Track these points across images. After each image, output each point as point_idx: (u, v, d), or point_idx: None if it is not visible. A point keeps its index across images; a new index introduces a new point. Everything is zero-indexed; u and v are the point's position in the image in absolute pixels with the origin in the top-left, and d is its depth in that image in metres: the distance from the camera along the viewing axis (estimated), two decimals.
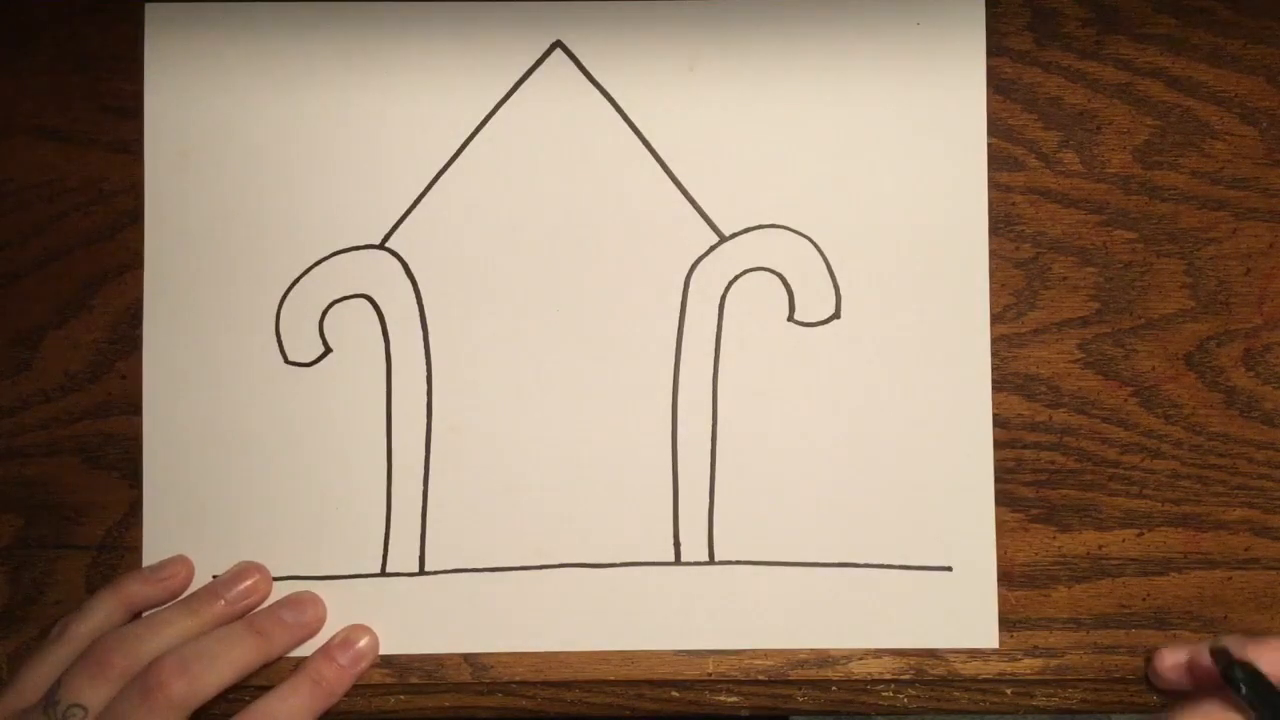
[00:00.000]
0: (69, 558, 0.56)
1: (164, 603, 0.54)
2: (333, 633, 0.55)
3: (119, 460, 0.56)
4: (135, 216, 0.56)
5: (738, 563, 0.56)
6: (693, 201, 0.56)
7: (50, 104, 0.57)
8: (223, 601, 0.54)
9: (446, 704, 0.56)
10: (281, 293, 0.56)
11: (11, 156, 0.57)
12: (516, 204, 0.56)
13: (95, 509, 0.56)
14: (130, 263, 0.56)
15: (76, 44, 0.57)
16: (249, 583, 0.55)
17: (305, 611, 0.55)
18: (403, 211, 0.56)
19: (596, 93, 0.56)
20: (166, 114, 0.56)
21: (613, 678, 0.56)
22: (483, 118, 0.56)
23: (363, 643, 0.55)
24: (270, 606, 0.55)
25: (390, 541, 0.56)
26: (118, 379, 0.56)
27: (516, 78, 0.56)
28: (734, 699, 0.56)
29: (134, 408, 0.56)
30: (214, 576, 0.56)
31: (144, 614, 0.54)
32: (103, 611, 0.53)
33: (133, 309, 0.56)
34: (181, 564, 0.55)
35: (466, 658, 0.56)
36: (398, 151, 0.56)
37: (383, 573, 0.56)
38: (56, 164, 0.57)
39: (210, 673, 0.51)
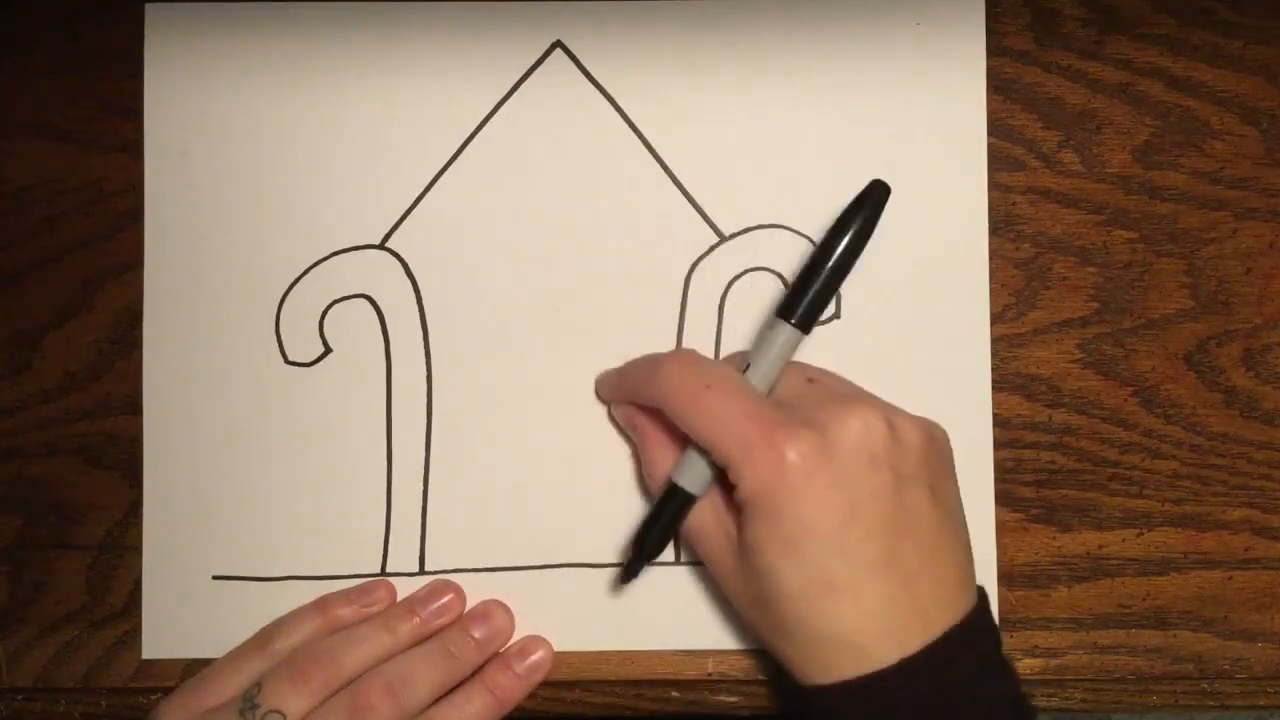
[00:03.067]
0: (69, 558, 0.56)
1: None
2: None
3: (119, 460, 0.56)
4: (135, 216, 0.56)
5: None
6: (692, 201, 0.56)
7: (50, 104, 0.57)
8: (418, 619, 0.54)
9: None
10: (281, 293, 0.56)
11: (11, 156, 0.57)
12: (516, 204, 0.56)
13: (95, 509, 0.56)
14: (130, 263, 0.56)
15: (76, 44, 0.57)
16: (443, 601, 0.55)
17: (494, 624, 0.55)
18: (403, 212, 0.56)
19: (596, 93, 0.56)
20: (166, 114, 0.56)
21: (613, 678, 0.56)
22: (483, 118, 0.56)
23: (539, 654, 0.55)
24: (461, 623, 0.55)
25: (390, 541, 0.56)
26: (118, 379, 0.56)
27: (516, 78, 0.56)
28: (734, 699, 0.56)
29: (134, 408, 0.56)
30: (214, 577, 0.56)
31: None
32: (306, 629, 0.54)
33: (133, 309, 0.56)
34: (385, 589, 0.55)
35: None
36: (398, 151, 0.56)
37: (383, 572, 0.56)
38: (56, 164, 0.57)
39: (413, 696, 0.52)
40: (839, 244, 0.50)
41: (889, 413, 0.49)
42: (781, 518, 0.47)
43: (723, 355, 0.56)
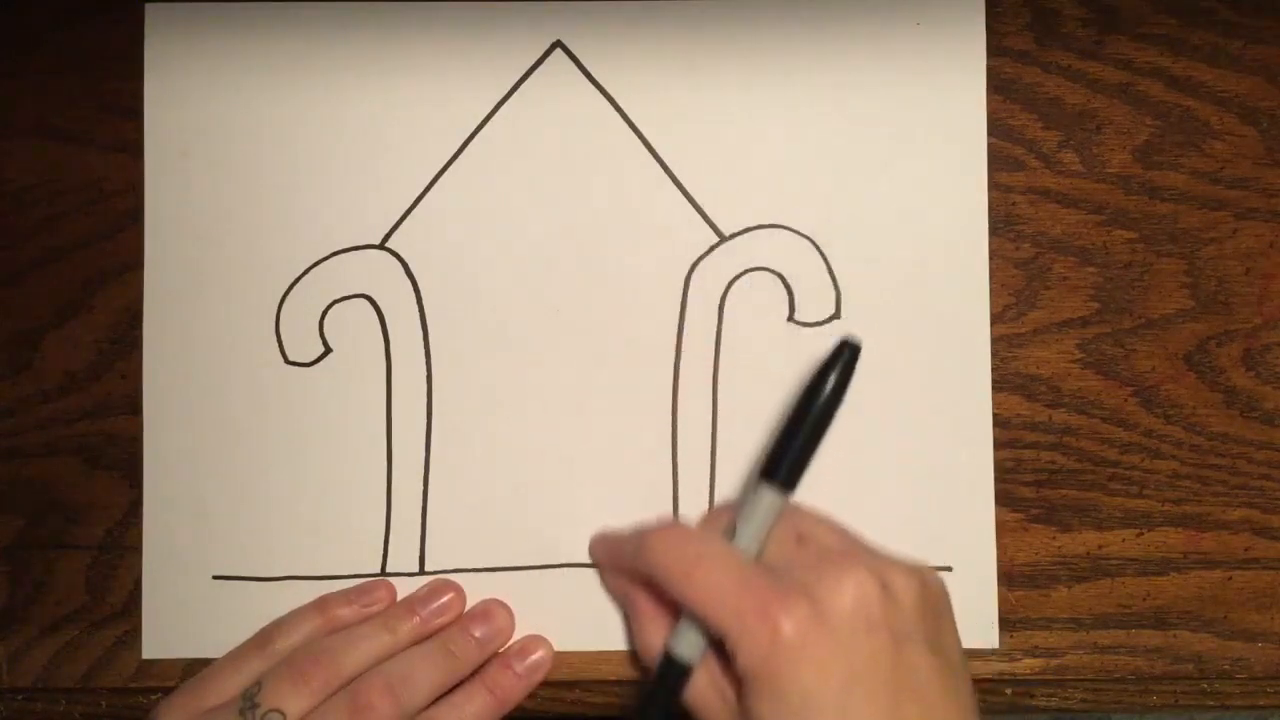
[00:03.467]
0: (69, 558, 0.56)
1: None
2: None
3: (119, 460, 0.56)
4: (135, 216, 0.56)
5: None
6: (692, 201, 0.56)
7: (50, 104, 0.57)
8: (418, 618, 0.54)
9: None
10: (281, 293, 0.56)
11: (11, 156, 0.57)
12: (516, 204, 0.56)
13: (95, 509, 0.56)
14: (130, 263, 0.56)
15: (77, 44, 0.57)
16: (443, 600, 0.55)
17: (494, 623, 0.55)
18: (403, 211, 0.56)
19: (596, 93, 0.56)
20: (167, 114, 0.56)
21: (613, 678, 0.56)
22: (483, 118, 0.56)
23: (539, 654, 0.55)
24: (461, 622, 0.55)
25: (390, 541, 0.56)
26: (118, 379, 0.56)
27: (516, 78, 0.56)
28: None
29: (134, 408, 0.56)
30: (214, 577, 0.56)
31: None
32: (306, 629, 0.54)
33: (133, 309, 0.56)
34: (385, 589, 0.55)
35: None
36: (398, 151, 0.56)
37: (383, 572, 0.56)
38: (56, 164, 0.57)
39: (413, 695, 0.52)
40: (814, 405, 0.49)
41: (882, 569, 0.48)
42: (782, 689, 0.46)
43: (722, 355, 0.56)
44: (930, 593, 0.49)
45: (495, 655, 0.55)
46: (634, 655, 0.55)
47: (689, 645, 0.50)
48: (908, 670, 0.47)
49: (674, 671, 0.50)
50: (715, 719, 0.50)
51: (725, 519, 0.52)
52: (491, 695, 0.54)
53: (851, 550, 0.51)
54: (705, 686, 0.50)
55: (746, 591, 0.47)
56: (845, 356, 0.49)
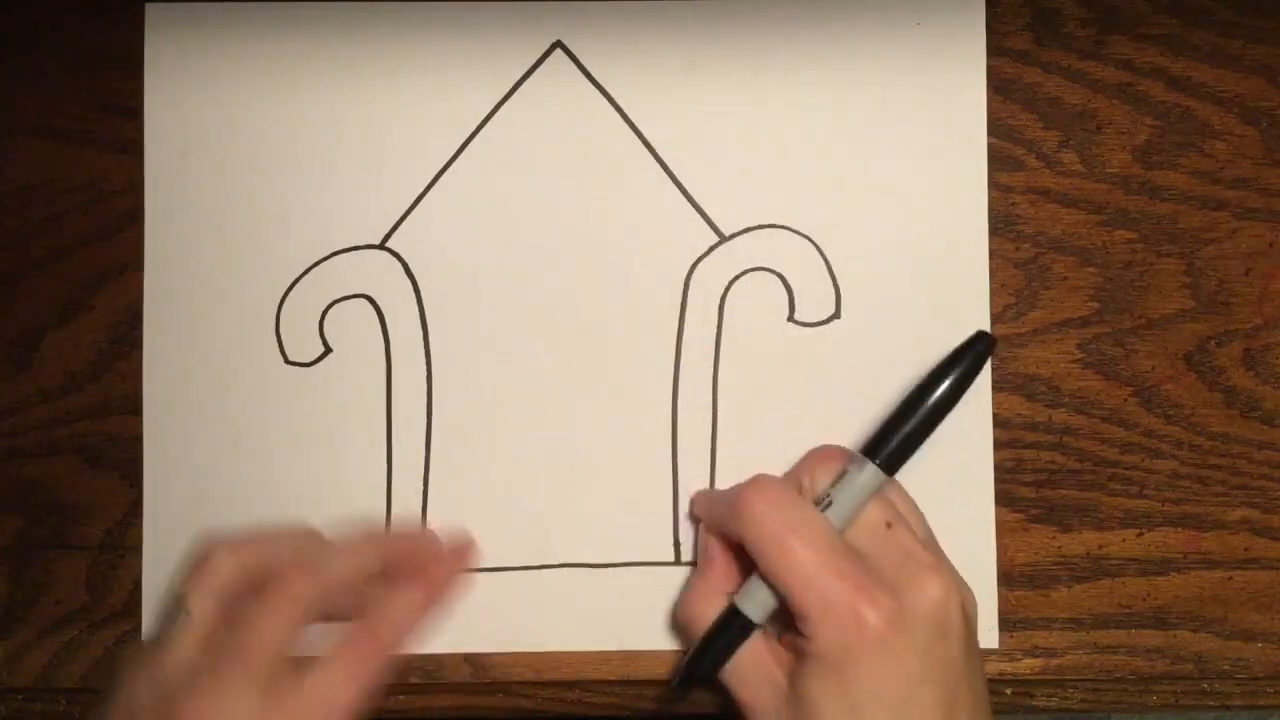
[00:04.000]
0: (69, 558, 0.56)
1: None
2: None
3: (119, 460, 0.56)
4: (135, 216, 0.56)
5: None
6: (693, 201, 0.56)
7: (50, 104, 0.57)
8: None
9: (447, 704, 0.56)
10: (282, 293, 0.56)
11: (11, 156, 0.57)
12: (516, 204, 0.56)
13: (95, 509, 0.56)
14: (130, 263, 0.56)
15: (76, 44, 0.57)
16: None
17: (423, 537, 0.55)
18: (403, 211, 0.56)
19: (596, 93, 0.56)
20: (166, 114, 0.56)
21: (613, 678, 0.56)
22: (483, 118, 0.56)
23: (464, 543, 0.55)
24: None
25: None
26: (118, 379, 0.56)
27: (516, 78, 0.56)
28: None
29: (134, 408, 0.56)
30: None
31: None
32: None
33: (133, 309, 0.56)
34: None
35: (467, 658, 0.56)
36: (398, 151, 0.56)
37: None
38: (56, 164, 0.57)
39: (329, 568, 0.50)
40: (937, 389, 0.50)
41: (960, 582, 0.49)
42: (850, 681, 0.47)
43: (722, 355, 0.56)
44: (973, 605, 0.50)
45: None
46: (636, 652, 0.55)
47: (758, 605, 0.50)
48: (964, 682, 0.48)
49: (736, 625, 0.50)
50: (759, 697, 0.50)
51: (821, 479, 0.51)
52: (426, 596, 0.53)
53: (937, 554, 0.51)
54: (756, 657, 0.50)
55: (836, 577, 0.47)
56: (978, 347, 0.50)
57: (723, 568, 0.52)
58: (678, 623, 0.55)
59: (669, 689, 0.52)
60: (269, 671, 0.48)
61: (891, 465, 0.50)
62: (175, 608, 0.49)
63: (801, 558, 0.48)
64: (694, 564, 0.55)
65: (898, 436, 0.50)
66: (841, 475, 0.50)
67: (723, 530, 0.52)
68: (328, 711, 0.49)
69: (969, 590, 0.50)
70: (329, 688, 0.49)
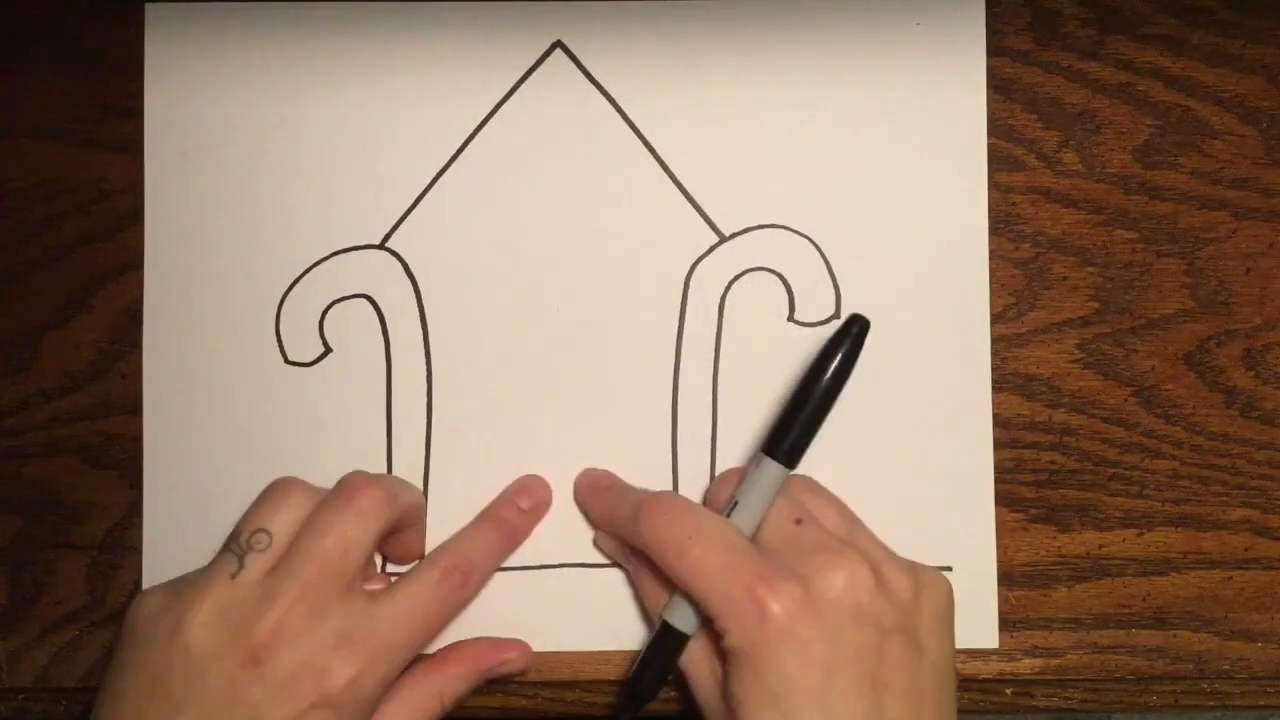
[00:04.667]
0: (69, 558, 0.56)
1: None
2: None
3: (119, 460, 0.56)
4: (135, 216, 0.56)
5: None
6: (693, 201, 0.56)
7: (50, 104, 0.57)
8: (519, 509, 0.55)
9: None
10: (282, 292, 0.56)
11: (11, 156, 0.57)
12: (517, 204, 0.56)
13: (95, 509, 0.56)
14: (130, 263, 0.56)
15: (76, 44, 0.57)
16: (536, 498, 0.56)
17: (537, 494, 0.55)
18: (403, 211, 0.56)
19: (597, 93, 0.56)
20: (167, 114, 0.56)
21: (613, 678, 0.56)
22: (483, 118, 0.56)
23: (543, 492, 0.56)
24: (505, 495, 0.56)
25: None
26: (118, 379, 0.56)
27: (517, 78, 0.56)
28: None
29: (134, 408, 0.56)
30: None
31: None
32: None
33: (133, 309, 0.56)
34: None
35: None
36: (398, 151, 0.56)
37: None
38: (56, 164, 0.57)
39: (406, 491, 0.52)
40: (821, 380, 0.50)
41: (878, 561, 0.49)
42: (764, 673, 0.47)
43: (722, 355, 0.56)
44: (927, 591, 0.50)
45: (500, 496, 0.55)
46: (636, 652, 0.55)
47: (683, 616, 0.50)
48: (891, 665, 0.48)
49: (670, 639, 0.51)
50: (704, 695, 0.50)
51: (726, 492, 0.52)
52: (501, 529, 0.54)
53: (850, 538, 0.51)
54: (700, 657, 0.51)
55: (735, 572, 0.48)
56: (854, 332, 0.50)
57: (650, 572, 0.53)
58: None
59: (618, 712, 0.52)
60: (351, 577, 0.49)
61: (790, 458, 0.50)
62: (246, 540, 0.49)
63: (701, 560, 0.48)
64: (651, 654, 0.53)
65: (792, 430, 0.50)
66: (742, 479, 0.51)
67: (624, 537, 0.53)
68: (417, 624, 0.50)
69: (923, 572, 0.50)
70: (417, 601, 0.50)
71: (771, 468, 0.50)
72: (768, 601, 0.47)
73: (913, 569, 0.50)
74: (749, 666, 0.47)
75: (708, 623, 0.49)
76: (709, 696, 0.50)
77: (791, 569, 0.48)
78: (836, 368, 0.50)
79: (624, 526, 0.52)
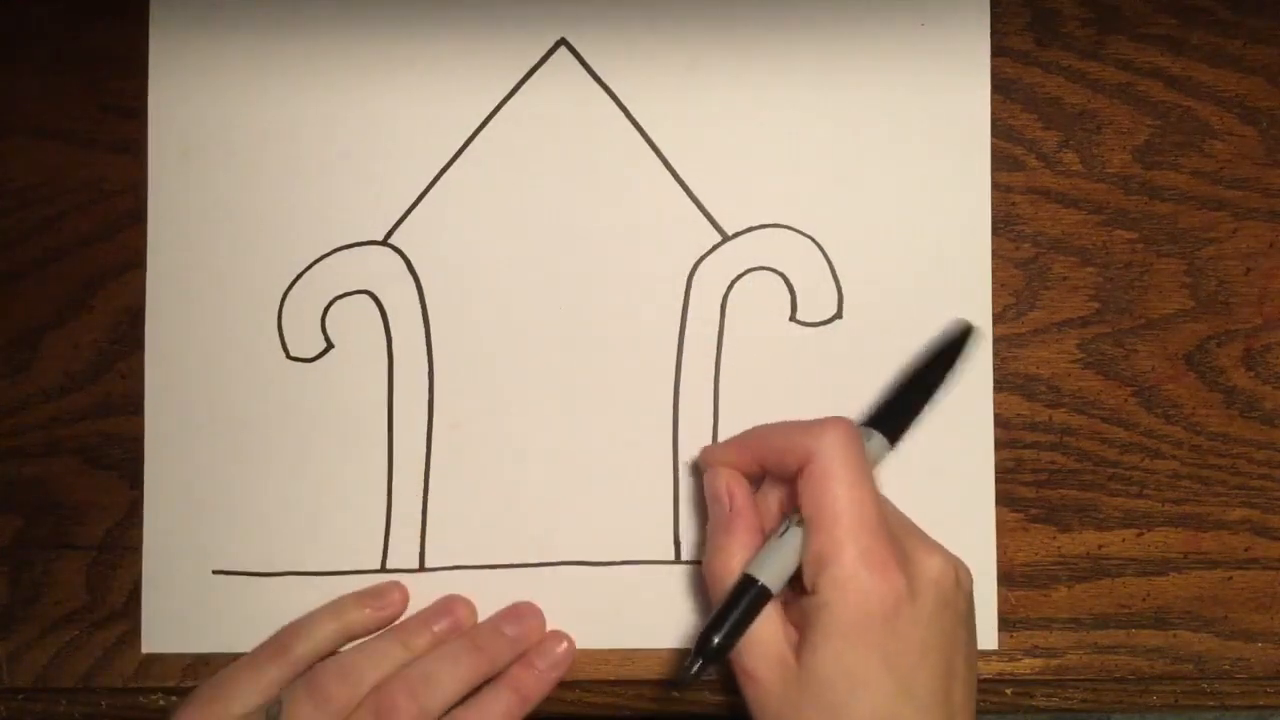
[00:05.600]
0: (69, 558, 0.56)
1: (379, 629, 0.55)
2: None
3: (119, 460, 0.56)
4: (135, 216, 0.56)
5: None
6: (695, 200, 0.56)
7: (50, 104, 0.57)
8: (432, 634, 0.54)
9: None
10: (284, 288, 0.56)
11: (11, 156, 0.57)
12: (519, 201, 0.56)
13: (95, 509, 0.56)
14: (130, 262, 0.56)
15: (77, 43, 0.57)
16: (454, 618, 0.55)
17: (525, 623, 0.55)
18: (405, 208, 0.56)
19: (601, 91, 0.56)
20: (169, 112, 0.56)
21: (613, 677, 0.56)
22: (486, 114, 0.56)
23: (561, 649, 0.55)
24: (490, 621, 0.55)
25: (390, 538, 0.56)
26: (118, 379, 0.56)
27: (521, 75, 0.56)
28: (735, 698, 0.56)
29: (134, 408, 0.56)
30: (214, 572, 0.56)
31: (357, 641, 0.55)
32: (322, 634, 0.54)
33: (133, 309, 0.56)
34: (399, 590, 0.55)
35: None
36: (401, 148, 0.56)
37: (383, 569, 0.56)
38: (56, 164, 0.57)
39: (436, 695, 0.51)
40: (934, 365, 0.53)
41: (953, 556, 0.50)
42: (861, 651, 0.47)
43: (724, 354, 0.56)
44: (970, 583, 0.51)
45: (521, 658, 0.54)
46: (636, 652, 0.55)
47: (778, 571, 0.49)
48: (959, 650, 0.49)
49: (750, 594, 0.49)
50: (762, 658, 0.49)
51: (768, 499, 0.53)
52: (516, 694, 0.53)
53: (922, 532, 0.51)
54: (769, 631, 0.49)
55: (878, 540, 0.48)
56: (967, 339, 0.53)
57: (748, 520, 0.51)
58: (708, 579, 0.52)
59: (684, 670, 0.50)
60: None
61: (894, 435, 0.52)
62: None
63: (865, 508, 0.48)
64: (727, 610, 0.50)
65: (901, 409, 0.52)
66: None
67: (774, 455, 0.51)
68: None
69: (964, 564, 0.51)
70: None
71: (879, 441, 0.51)
72: (881, 581, 0.47)
73: (965, 565, 0.51)
74: (845, 641, 0.47)
75: (794, 585, 0.49)
76: (766, 666, 0.49)
77: (896, 551, 0.48)
78: (947, 356, 0.53)
79: (793, 441, 0.50)
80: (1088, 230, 0.56)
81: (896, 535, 0.49)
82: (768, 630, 0.49)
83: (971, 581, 0.51)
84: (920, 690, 0.47)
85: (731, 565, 0.50)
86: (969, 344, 0.53)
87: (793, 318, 0.56)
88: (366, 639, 0.54)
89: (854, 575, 0.47)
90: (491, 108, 0.56)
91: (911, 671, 0.47)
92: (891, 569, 0.47)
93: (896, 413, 0.52)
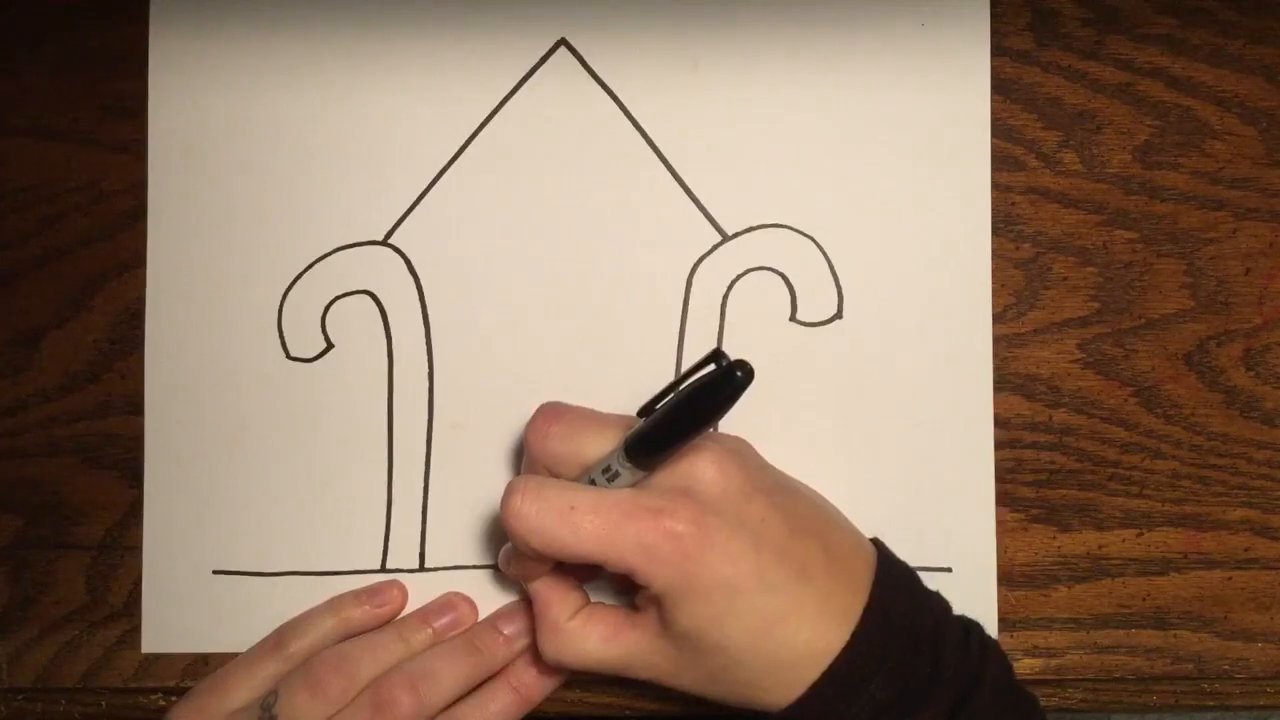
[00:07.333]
0: (69, 558, 0.56)
1: (377, 626, 0.55)
2: None
3: (119, 460, 0.56)
4: (135, 216, 0.56)
5: None
6: (696, 200, 0.56)
7: (50, 104, 0.57)
8: (431, 630, 0.54)
9: None
10: (284, 289, 0.56)
11: (11, 156, 0.57)
12: (519, 201, 0.56)
13: (95, 509, 0.56)
14: (131, 262, 0.56)
15: (78, 43, 0.57)
16: (455, 615, 0.55)
17: (522, 622, 0.54)
18: (406, 208, 0.56)
19: (601, 91, 0.56)
20: (170, 112, 0.56)
21: (613, 677, 0.56)
22: (487, 114, 0.56)
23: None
24: (488, 620, 0.55)
25: (390, 538, 0.56)
26: (118, 379, 0.56)
27: (521, 75, 0.56)
28: None
29: (134, 408, 0.56)
30: (215, 572, 0.56)
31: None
32: (319, 631, 0.54)
33: (133, 309, 0.56)
34: (397, 589, 0.55)
35: None
36: (401, 148, 0.56)
37: (383, 569, 0.56)
38: (56, 164, 0.57)
39: (436, 691, 0.52)
40: (697, 410, 0.47)
41: (720, 442, 0.50)
42: (704, 591, 0.47)
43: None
44: (750, 446, 0.51)
45: (519, 659, 0.54)
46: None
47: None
48: (786, 513, 0.49)
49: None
50: (652, 663, 0.50)
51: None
52: (516, 694, 0.53)
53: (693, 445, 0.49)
54: (630, 644, 0.50)
55: (632, 519, 0.47)
56: (738, 378, 0.46)
57: (560, 593, 0.52)
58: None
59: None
60: None
61: (648, 466, 0.49)
62: (287, 717, 0.51)
63: (595, 524, 0.47)
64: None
65: (659, 439, 0.48)
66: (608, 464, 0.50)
67: (521, 550, 0.50)
68: None
69: (732, 439, 0.51)
70: None
71: (630, 470, 0.49)
72: (674, 525, 0.47)
73: (736, 437, 0.51)
74: (688, 595, 0.47)
75: (629, 589, 0.50)
76: (659, 662, 0.50)
77: (669, 490, 0.48)
78: (712, 405, 0.46)
79: (510, 537, 0.49)
80: (1088, 230, 0.56)
81: (656, 482, 0.48)
82: (630, 646, 0.50)
83: (744, 444, 0.51)
84: (774, 578, 0.47)
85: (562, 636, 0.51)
86: (741, 388, 0.46)
87: (793, 318, 0.56)
88: (365, 634, 0.54)
89: (648, 561, 0.47)
90: (492, 108, 0.56)
91: (756, 572, 0.47)
92: (668, 521, 0.47)
93: (652, 447, 0.48)
